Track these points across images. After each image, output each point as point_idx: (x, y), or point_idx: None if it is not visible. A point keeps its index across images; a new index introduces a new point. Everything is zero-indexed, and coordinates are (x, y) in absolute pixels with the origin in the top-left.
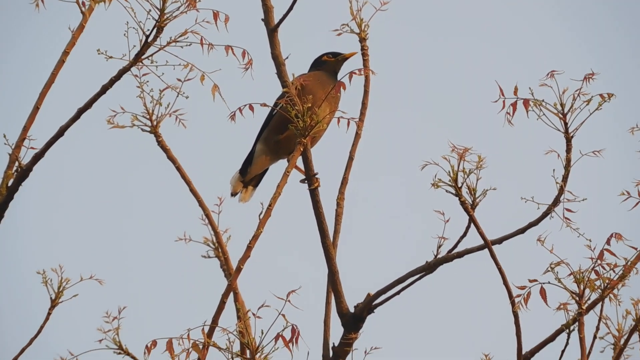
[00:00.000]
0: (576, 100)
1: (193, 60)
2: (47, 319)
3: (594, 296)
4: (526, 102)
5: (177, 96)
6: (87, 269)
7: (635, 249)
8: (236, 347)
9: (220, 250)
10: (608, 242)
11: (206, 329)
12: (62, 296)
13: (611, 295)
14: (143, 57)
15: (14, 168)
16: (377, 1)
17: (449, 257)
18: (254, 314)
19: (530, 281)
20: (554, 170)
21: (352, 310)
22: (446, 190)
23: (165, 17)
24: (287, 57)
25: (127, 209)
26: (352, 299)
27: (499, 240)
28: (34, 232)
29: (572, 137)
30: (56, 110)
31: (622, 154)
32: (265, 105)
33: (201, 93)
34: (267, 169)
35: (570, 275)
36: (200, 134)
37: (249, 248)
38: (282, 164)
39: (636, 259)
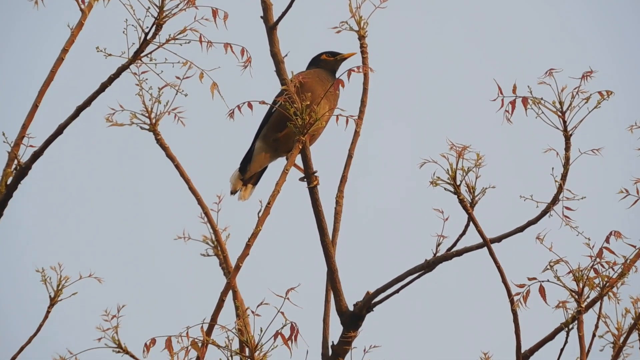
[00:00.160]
0: (575, 98)
1: (192, 57)
2: (46, 317)
3: (593, 294)
4: (525, 100)
5: (176, 94)
6: (86, 267)
7: (635, 247)
8: (235, 345)
9: (219, 248)
10: (607, 240)
11: (205, 327)
12: (61, 294)
13: (610, 293)
14: (142, 54)
15: (13, 166)
16: None
17: (448, 256)
18: (253, 312)
19: (530, 279)
20: (553, 168)
21: (351, 308)
22: (445, 189)
23: (164, 14)
24: (286, 55)
25: (126, 207)
26: (352, 297)
27: (498, 239)
28: (33, 230)
29: (571, 135)
30: (55, 108)
31: (621, 152)
32: (264, 103)
33: (200, 91)
34: (266, 167)
35: (569, 273)
36: (199, 131)
37: (248, 246)
38: (282, 161)
39: (635, 257)
